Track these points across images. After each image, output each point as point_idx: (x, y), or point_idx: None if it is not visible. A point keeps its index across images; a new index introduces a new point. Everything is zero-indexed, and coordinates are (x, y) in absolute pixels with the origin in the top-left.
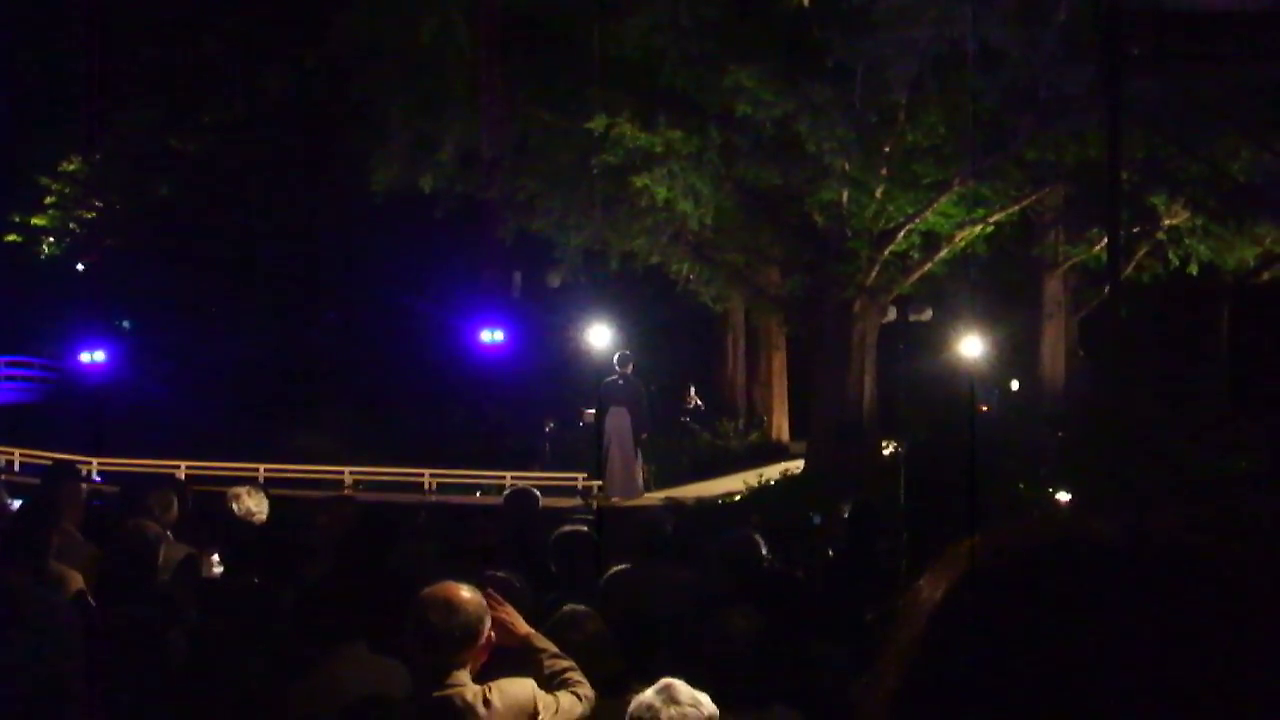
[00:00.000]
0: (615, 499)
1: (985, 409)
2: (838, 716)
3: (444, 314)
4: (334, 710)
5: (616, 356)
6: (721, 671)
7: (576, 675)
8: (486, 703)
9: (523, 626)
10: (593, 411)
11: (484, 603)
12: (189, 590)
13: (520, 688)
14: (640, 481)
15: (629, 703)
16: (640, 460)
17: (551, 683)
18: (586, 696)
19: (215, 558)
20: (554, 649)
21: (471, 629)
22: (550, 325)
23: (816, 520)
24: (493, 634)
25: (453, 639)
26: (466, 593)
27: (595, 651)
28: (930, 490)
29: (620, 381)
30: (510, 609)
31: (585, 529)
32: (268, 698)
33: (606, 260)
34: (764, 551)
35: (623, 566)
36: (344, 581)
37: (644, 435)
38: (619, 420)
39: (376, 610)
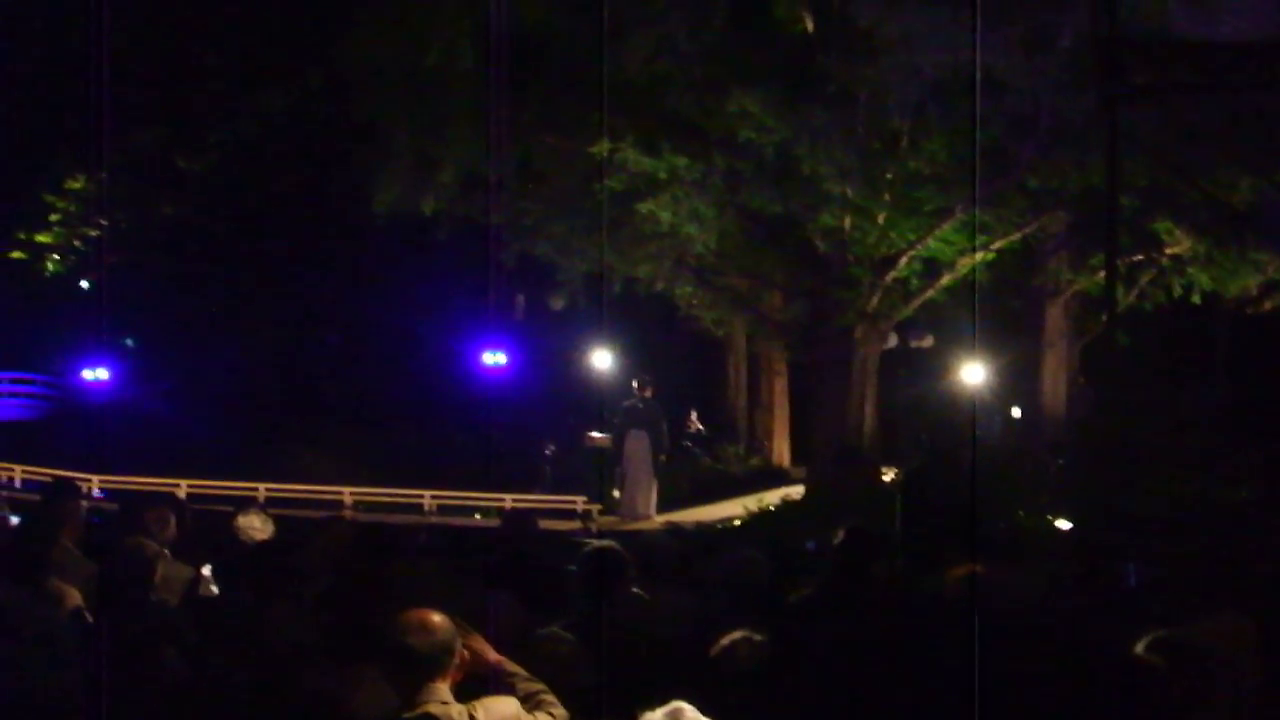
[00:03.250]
0: (628, 521)
1: (985, 436)
2: None
3: (446, 336)
4: None
5: (635, 380)
6: (725, 696)
7: (549, 697)
8: (472, 719)
9: (492, 654)
10: (596, 435)
11: (454, 624)
12: (186, 608)
13: (505, 705)
14: (653, 505)
15: None
16: (655, 483)
17: (525, 704)
18: (561, 717)
19: (207, 571)
20: (524, 673)
21: (447, 647)
22: (552, 348)
23: (810, 546)
24: (465, 653)
25: (431, 658)
26: (437, 615)
27: (569, 671)
28: (927, 516)
29: (640, 405)
30: (479, 637)
31: (615, 545)
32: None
33: (610, 284)
34: (765, 573)
35: (633, 591)
36: (341, 601)
37: (662, 458)
38: (638, 443)
39: (376, 630)
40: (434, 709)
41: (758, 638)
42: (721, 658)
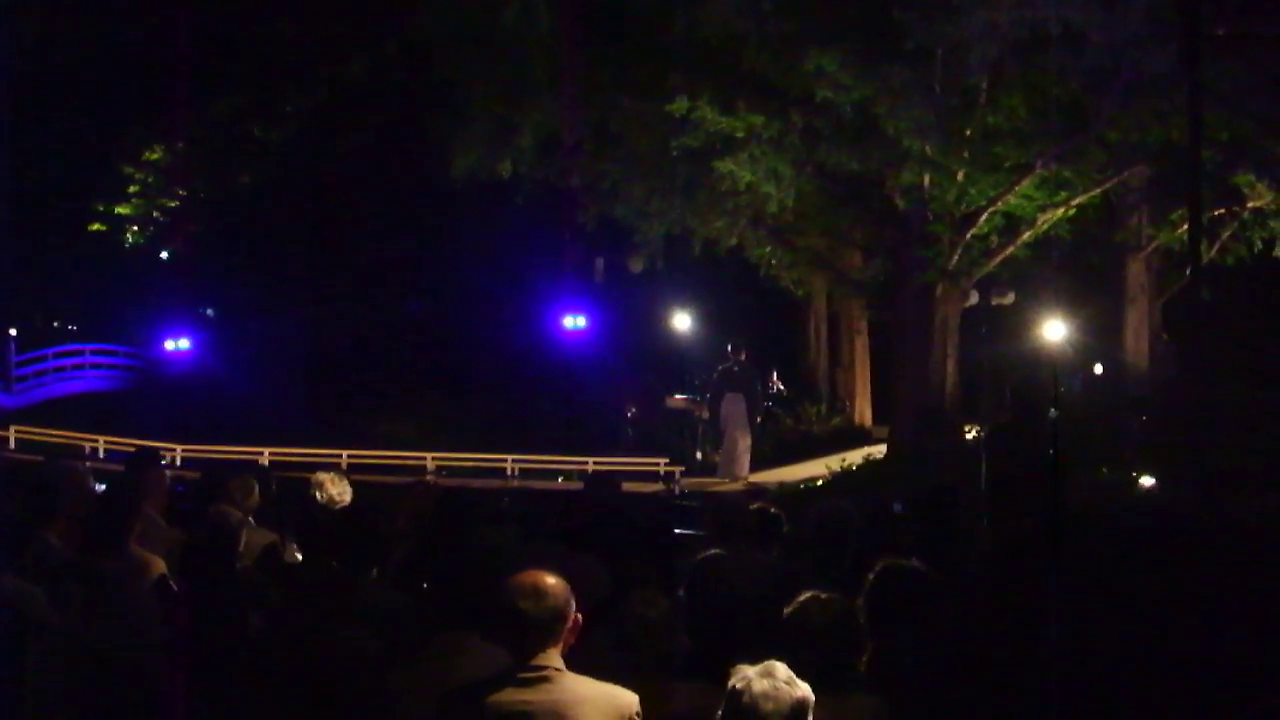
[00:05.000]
0: (727, 482)
1: (1067, 393)
2: (916, 705)
3: (526, 300)
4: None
5: (730, 344)
6: (801, 656)
7: None
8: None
9: None
10: (681, 397)
11: (568, 587)
12: (270, 575)
13: (625, 698)
14: (747, 466)
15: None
16: (750, 445)
17: None
18: None
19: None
20: None
21: (560, 613)
22: (632, 310)
23: (897, 508)
24: (578, 617)
25: (542, 623)
26: (551, 579)
27: (662, 632)
28: (1010, 473)
29: (736, 368)
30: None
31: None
32: (358, 681)
33: (688, 245)
34: (855, 525)
35: (712, 551)
36: (425, 567)
37: (758, 419)
38: (736, 406)
39: (461, 594)
40: (550, 675)
41: (825, 596)
42: (794, 618)
